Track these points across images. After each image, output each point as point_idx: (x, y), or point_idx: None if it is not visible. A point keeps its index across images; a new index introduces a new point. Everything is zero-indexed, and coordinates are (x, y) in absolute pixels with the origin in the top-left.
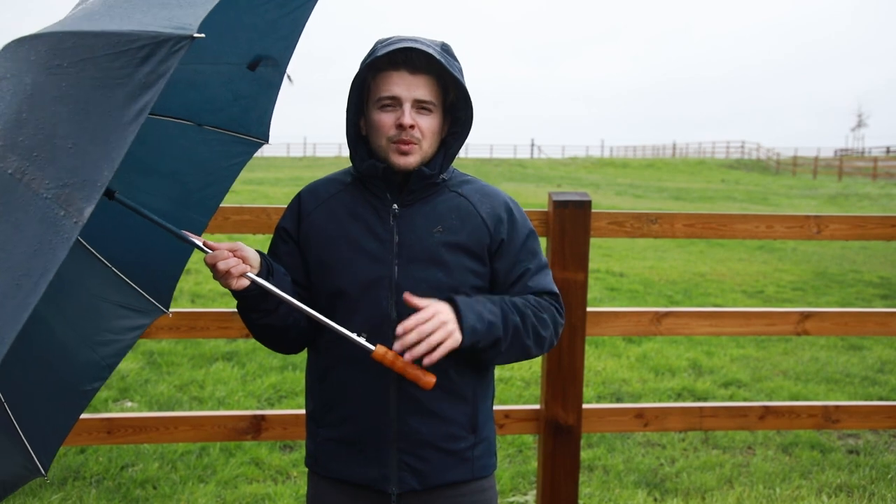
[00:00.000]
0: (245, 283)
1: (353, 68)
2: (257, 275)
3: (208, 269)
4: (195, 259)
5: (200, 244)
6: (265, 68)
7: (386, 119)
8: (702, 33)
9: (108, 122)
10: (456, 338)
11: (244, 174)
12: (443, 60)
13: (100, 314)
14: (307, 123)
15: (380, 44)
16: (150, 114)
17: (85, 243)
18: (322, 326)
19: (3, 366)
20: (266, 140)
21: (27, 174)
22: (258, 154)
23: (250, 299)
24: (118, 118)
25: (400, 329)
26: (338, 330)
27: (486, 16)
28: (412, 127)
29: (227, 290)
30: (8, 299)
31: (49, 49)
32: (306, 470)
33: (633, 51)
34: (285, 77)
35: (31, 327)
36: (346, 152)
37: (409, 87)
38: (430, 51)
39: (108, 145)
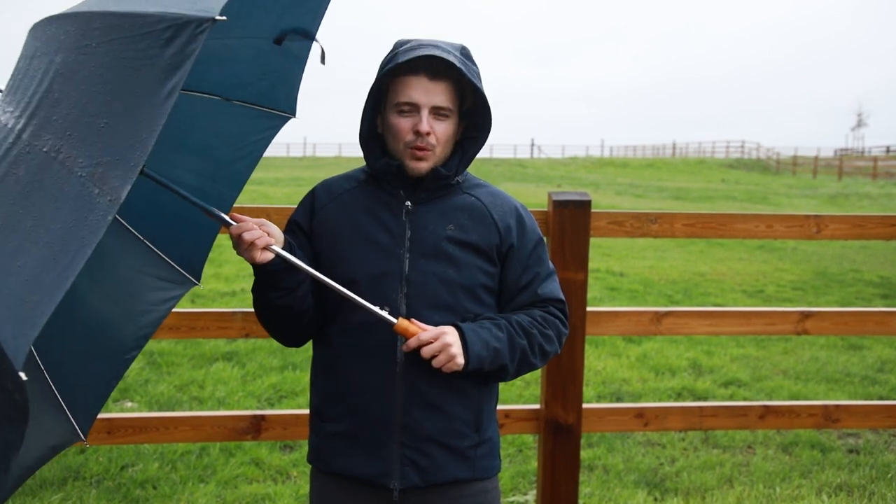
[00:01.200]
0: (269, 256)
1: (353, 68)
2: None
3: (208, 270)
4: None
5: (227, 218)
6: (292, 42)
7: (404, 124)
8: (702, 33)
9: (139, 103)
10: (459, 362)
11: None
12: (463, 68)
13: (138, 287)
14: (307, 123)
15: (400, 46)
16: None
17: (121, 220)
18: (330, 317)
19: (44, 340)
20: (293, 114)
21: (62, 152)
22: None
23: (273, 275)
24: (148, 99)
25: (405, 347)
26: (360, 302)
27: (485, 16)
28: (429, 134)
29: (227, 290)
30: (46, 273)
31: (77, 29)
32: (306, 470)
33: (633, 51)
34: (315, 52)
35: (72, 302)
36: (346, 153)
37: (427, 93)
38: (451, 58)
39: (140, 126)
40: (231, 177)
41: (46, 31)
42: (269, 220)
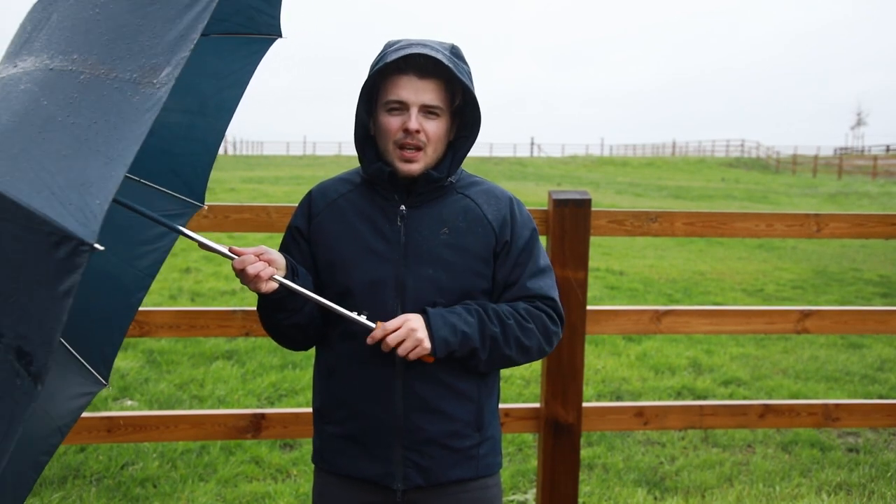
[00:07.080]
0: (274, 286)
1: (347, 68)
2: (283, 276)
3: (208, 269)
4: (194, 258)
5: (226, 251)
6: None
7: (393, 122)
8: (702, 31)
9: (38, 296)
10: (426, 346)
11: (244, 173)
12: (451, 66)
13: (133, 230)
14: (307, 122)
15: (389, 47)
16: None
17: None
18: (332, 322)
19: None
20: (279, 34)
21: None
22: (258, 153)
23: (278, 301)
24: (47, 295)
25: (369, 340)
26: (339, 311)
27: (499, 15)
28: (418, 132)
29: (227, 289)
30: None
31: None
32: (306, 469)
33: (634, 50)
34: None
35: None
36: (345, 151)
37: (416, 91)
38: (439, 56)
39: (40, 324)
40: (220, 105)
41: None
42: (270, 219)
